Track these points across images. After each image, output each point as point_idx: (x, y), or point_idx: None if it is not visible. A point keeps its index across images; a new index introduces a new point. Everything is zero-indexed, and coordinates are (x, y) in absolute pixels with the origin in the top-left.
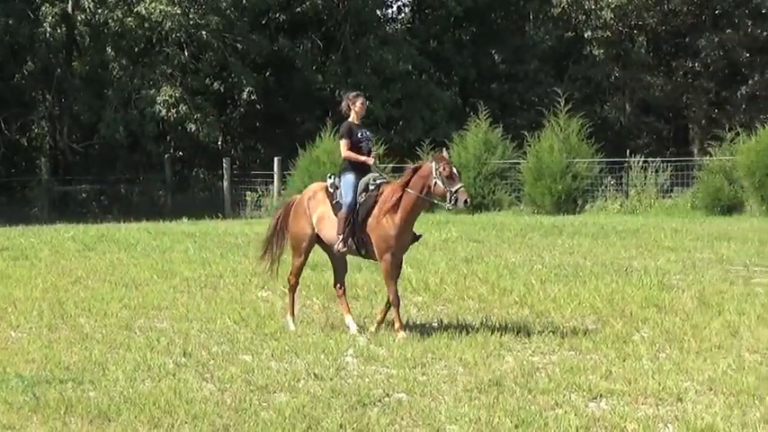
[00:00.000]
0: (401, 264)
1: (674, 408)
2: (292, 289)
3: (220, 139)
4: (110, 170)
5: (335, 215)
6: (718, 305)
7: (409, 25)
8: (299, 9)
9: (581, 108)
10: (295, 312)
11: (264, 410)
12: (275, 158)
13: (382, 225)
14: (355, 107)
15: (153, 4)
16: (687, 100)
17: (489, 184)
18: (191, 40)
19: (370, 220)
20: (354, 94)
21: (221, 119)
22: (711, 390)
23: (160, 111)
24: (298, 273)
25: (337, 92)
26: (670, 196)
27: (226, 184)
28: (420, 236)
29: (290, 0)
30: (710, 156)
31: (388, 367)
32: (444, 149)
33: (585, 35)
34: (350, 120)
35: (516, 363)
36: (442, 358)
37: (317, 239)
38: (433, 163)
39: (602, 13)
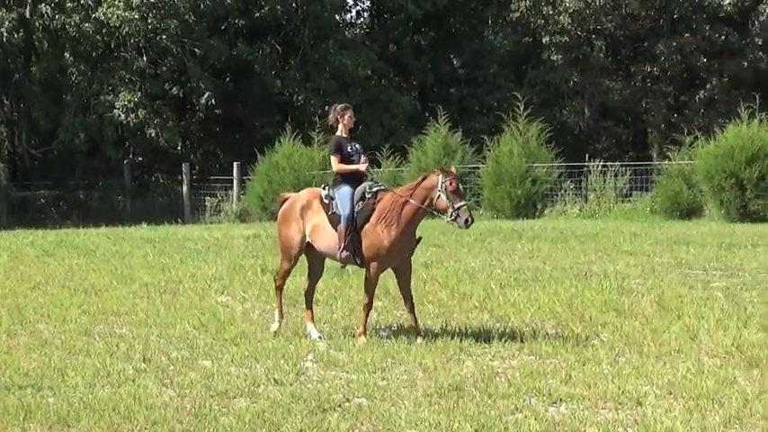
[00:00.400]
0: (410, 267)
1: (633, 412)
2: (279, 290)
3: (180, 144)
4: (69, 175)
5: (332, 226)
6: (677, 309)
7: (368, 30)
8: (257, 14)
9: (540, 113)
10: (283, 313)
11: (224, 416)
12: (234, 163)
13: (377, 233)
14: (344, 120)
15: (110, 10)
16: (646, 104)
17: None
18: (149, 45)
19: (366, 226)
20: (343, 106)
21: (181, 124)
22: (671, 394)
23: (119, 116)
24: (285, 276)
25: (296, 97)
26: (629, 200)
27: (185, 189)
28: (420, 238)
29: (248, 5)
30: (669, 160)
31: (347, 372)
32: (452, 164)
33: (544, 40)
34: (338, 133)
35: (476, 367)
36: (402, 363)
37: (306, 246)
38: (440, 176)
39: (561, 18)
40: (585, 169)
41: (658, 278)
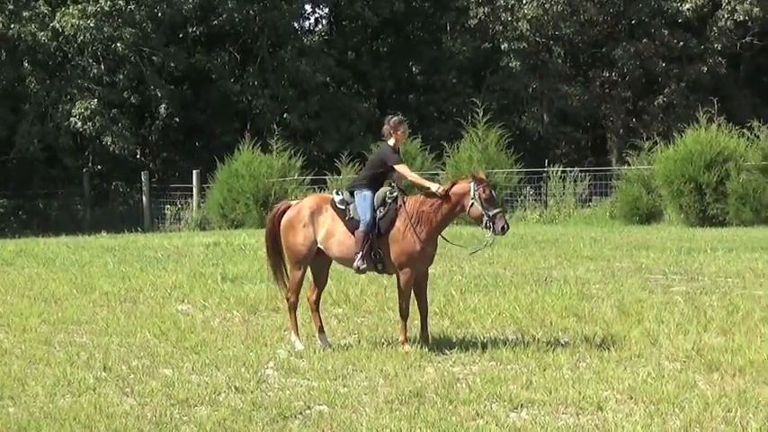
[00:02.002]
0: (427, 274)
1: (594, 417)
2: (293, 307)
3: (138, 152)
4: (27, 185)
5: (350, 231)
6: (637, 314)
7: (327, 37)
8: (215, 22)
9: (499, 119)
10: (299, 330)
11: (185, 424)
12: (194, 171)
13: (407, 239)
14: (397, 134)
15: (65, 18)
16: (605, 110)
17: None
18: (107, 53)
19: (393, 232)
20: (398, 120)
21: (140, 132)
22: (632, 398)
23: (75, 124)
24: (297, 289)
25: (254, 104)
26: (589, 206)
27: (145, 197)
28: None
29: (206, 13)
30: (629, 165)
31: (308, 379)
32: (481, 170)
33: (503, 46)
34: (390, 143)
35: (437, 374)
36: (363, 370)
37: (316, 254)
38: (473, 183)
39: (519, 24)
40: (545, 175)
41: (618, 283)
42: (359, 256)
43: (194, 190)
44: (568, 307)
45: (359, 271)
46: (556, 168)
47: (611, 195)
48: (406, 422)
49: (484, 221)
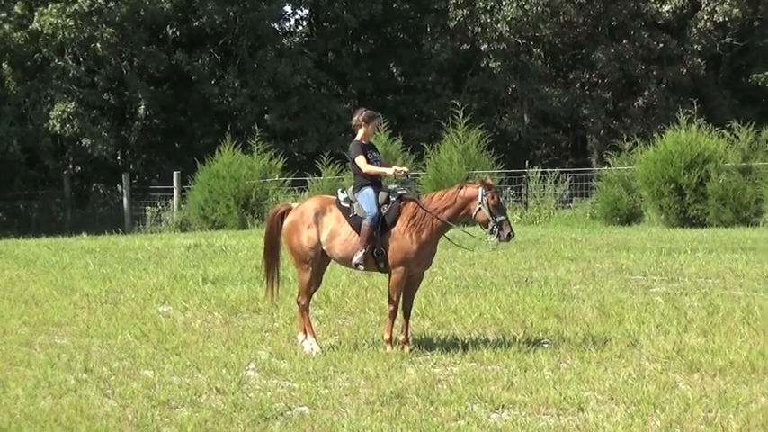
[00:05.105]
0: (422, 278)
1: (575, 417)
2: (304, 310)
3: (119, 153)
4: (7, 186)
5: (354, 229)
6: (617, 315)
7: (307, 39)
8: (196, 23)
9: (480, 120)
10: (304, 330)
11: (166, 426)
12: (174, 173)
13: (405, 238)
14: (367, 127)
15: (44, 18)
16: (585, 111)
17: None
18: (86, 53)
19: (393, 230)
20: (370, 113)
21: (120, 133)
22: (612, 399)
23: (54, 126)
24: (308, 292)
25: (234, 104)
26: (569, 206)
27: (125, 198)
28: None
29: (187, 14)
30: (609, 166)
31: (290, 381)
32: (488, 176)
33: (482, 48)
34: (357, 138)
35: (418, 375)
36: (344, 371)
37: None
38: (481, 188)
39: (499, 25)
40: (525, 176)
41: (599, 284)
42: (361, 252)
43: (175, 191)
44: (549, 308)
45: (356, 267)
46: (536, 169)
47: (592, 196)
48: (387, 423)
49: (490, 227)
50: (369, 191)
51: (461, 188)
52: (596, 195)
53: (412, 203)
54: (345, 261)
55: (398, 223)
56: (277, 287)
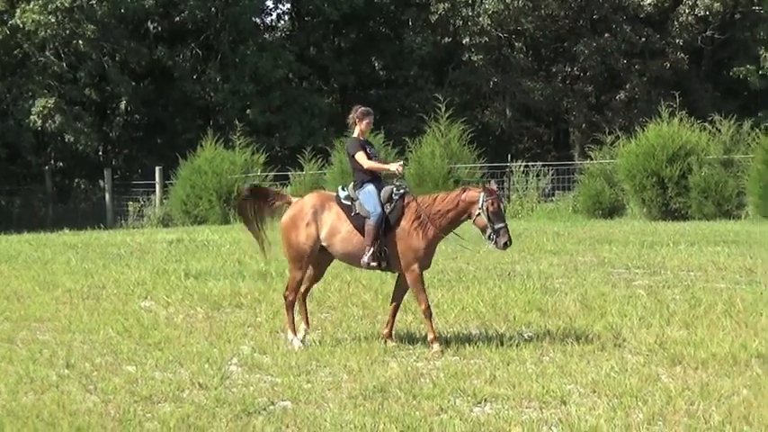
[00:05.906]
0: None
1: (558, 410)
2: (290, 306)
3: (101, 149)
4: None
5: (356, 228)
6: (600, 308)
7: (289, 33)
8: (177, 18)
9: (462, 113)
10: (295, 326)
11: (149, 421)
12: (156, 168)
13: (412, 237)
14: (361, 125)
15: (26, 14)
16: (567, 104)
17: None
18: (68, 49)
19: (398, 230)
20: (364, 110)
21: (102, 129)
22: (595, 392)
23: (35, 121)
24: (296, 288)
25: (216, 99)
26: (552, 200)
27: (107, 194)
28: None
29: (168, 9)
30: (591, 159)
31: (272, 375)
32: (493, 181)
33: (464, 41)
34: (355, 135)
35: (401, 369)
36: (327, 365)
37: (319, 251)
38: (482, 193)
39: (480, 19)
40: (508, 169)
41: (581, 277)
42: (369, 251)
43: (157, 186)
44: (532, 301)
45: (367, 267)
46: (518, 163)
47: (574, 190)
48: (369, 417)
49: (487, 233)
50: (371, 188)
51: (464, 191)
52: (579, 189)
53: (414, 202)
54: (347, 258)
55: (402, 222)
56: (268, 245)
